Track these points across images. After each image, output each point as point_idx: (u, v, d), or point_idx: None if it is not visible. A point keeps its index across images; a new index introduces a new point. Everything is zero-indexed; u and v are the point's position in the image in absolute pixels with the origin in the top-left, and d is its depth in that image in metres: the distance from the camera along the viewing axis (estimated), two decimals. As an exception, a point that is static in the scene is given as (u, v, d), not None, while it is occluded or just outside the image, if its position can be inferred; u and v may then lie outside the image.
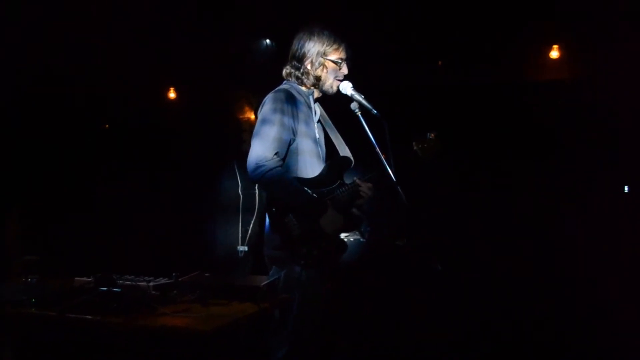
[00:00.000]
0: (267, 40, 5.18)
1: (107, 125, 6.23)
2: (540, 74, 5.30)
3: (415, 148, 2.96)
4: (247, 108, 5.77)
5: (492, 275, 4.99)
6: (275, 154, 2.74)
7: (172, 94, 6.27)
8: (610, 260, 4.86)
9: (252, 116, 5.78)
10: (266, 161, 2.70)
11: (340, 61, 2.94)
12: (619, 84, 4.86)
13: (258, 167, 2.70)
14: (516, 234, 5.14)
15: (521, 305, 4.83)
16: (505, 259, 5.03)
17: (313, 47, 2.92)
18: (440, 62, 5.26)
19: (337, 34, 2.95)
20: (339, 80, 2.94)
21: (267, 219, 2.85)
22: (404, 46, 5.11)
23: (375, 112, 2.74)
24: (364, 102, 2.81)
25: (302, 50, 2.94)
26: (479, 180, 5.26)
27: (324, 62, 2.93)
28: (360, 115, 2.80)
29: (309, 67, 2.94)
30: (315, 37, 2.92)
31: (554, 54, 5.24)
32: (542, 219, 5.16)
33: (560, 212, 5.13)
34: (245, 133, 5.69)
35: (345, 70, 2.96)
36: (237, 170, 5.65)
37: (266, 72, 3.34)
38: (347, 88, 2.89)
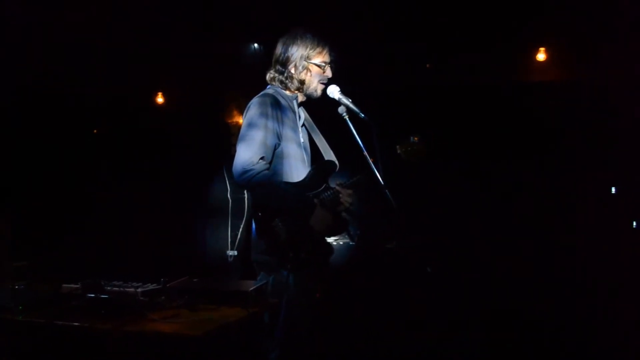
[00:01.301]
0: (255, 45, 5.19)
1: (95, 131, 6.23)
2: (538, 74, 5.29)
3: (399, 151, 2.95)
4: (235, 112, 5.77)
5: (492, 275, 4.97)
6: (261, 158, 2.72)
7: (159, 99, 6.26)
8: (609, 260, 4.84)
9: (241, 120, 5.76)
10: (252, 166, 2.68)
11: (324, 64, 2.92)
12: (616, 85, 4.84)
13: (245, 171, 2.67)
14: (516, 234, 5.12)
15: (521, 305, 4.81)
16: (505, 259, 5.01)
17: (296, 51, 2.89)
18: (428, 65, 5.23)
19: (320, 37, 2.92)
20: (323, 83, 2.92)
21: (254, 224, 2.83)
22: (399, 47, 5.09)
23: (362, 115, 2.71)
24: (351, 106, 2.77)
25: (286, 54, 2.91)
26: (477, 180, 5.25)
27: (308, 66, 2.91)
28: (347, 119, 2.78)
29: (292, 71, 2.92)
30: (299, 41, 2.90)
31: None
32: (542, 219, 5.14)
33: (560, 212, 5.12)
34: (234, 137, 5.67)
35: (329, 73, 2.94)
36: (226, 175, 5.64)
37: (255, 76, 3.31)
38: (334, 92, 2.86)
